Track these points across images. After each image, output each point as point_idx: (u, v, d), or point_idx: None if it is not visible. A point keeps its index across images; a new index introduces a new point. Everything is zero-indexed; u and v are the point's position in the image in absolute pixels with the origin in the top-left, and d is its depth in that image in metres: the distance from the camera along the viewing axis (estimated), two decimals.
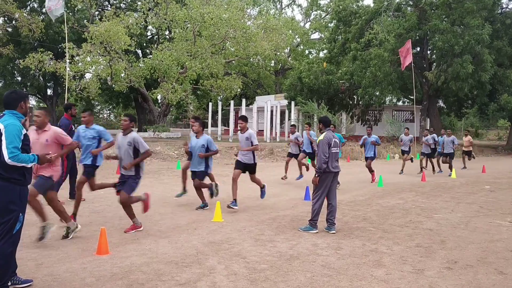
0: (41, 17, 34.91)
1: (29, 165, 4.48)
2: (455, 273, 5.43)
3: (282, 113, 36.97)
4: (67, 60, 24.22)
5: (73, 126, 9.28)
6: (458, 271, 5.51)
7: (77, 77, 30.82)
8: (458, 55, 26.19)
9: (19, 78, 42.90)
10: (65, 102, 20.62)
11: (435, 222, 8.27)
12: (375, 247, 6.48)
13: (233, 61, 38.64)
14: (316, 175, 7.26)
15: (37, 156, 4.61)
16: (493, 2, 27.66)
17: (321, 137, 7.39)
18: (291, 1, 54.79)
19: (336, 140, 7.46)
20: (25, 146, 4.54)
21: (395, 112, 38.46)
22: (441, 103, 37.14)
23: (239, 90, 36.13)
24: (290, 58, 49.10)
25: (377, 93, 30.25)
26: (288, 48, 45.76)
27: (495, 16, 29.57)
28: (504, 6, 31.55)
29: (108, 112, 78.76)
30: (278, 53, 39.66)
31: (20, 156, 4.37)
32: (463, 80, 26.11)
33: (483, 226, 8.05)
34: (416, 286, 4.95)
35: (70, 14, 35.78)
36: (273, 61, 48.27)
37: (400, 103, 39.43)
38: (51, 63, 28.38)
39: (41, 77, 41.34)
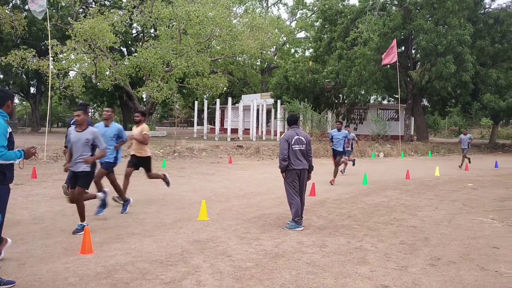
0: (24, 14, 34.43)
1: (16, 161, 4.53)
2: (438, 269, 5.49)
3: (268, 112, 37.00)
4: (51, 58, 23.89)
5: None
6: (441, 267, 5.57)
7: (60, 75, 30.48)
8: (442, 55, 26.48)
9: (1, 76, 42.27)
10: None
11: (419, 220, 8.36)
12: (360, 244, 6.52)
13: (219, 60, 38.55)
14: (281, 171, 7.59)
15: (23, 151, 4.64)
16: (475, 2, 28.00)
17: (282, 135, 7.63)
18: (277, 0, 54.74)
19: (300, 137, 7.58)
20: (10, 144, 4.61)
21: (380, 110, 38.76)
22: (425, 102, 37.54)
23: (225, 88, 36.04)
24: (276, 57, 49.14)
25: (362, 92, 30.46)
26: (274, 47, 45.80)
27: (478, 16, 29.95)
28: (487, 6, 31.98)
29: (92, 110, 78.03)
30: (264, 52, 39.71)
31: (7, 154, 4.46)
32: (446, 79, 26.42)
33: (466, 223, 8.16)
34: (400, 283, 4.99)
35: (54, 11, 35.34)
36: (259, 60, 48.27)
37: (385, 102, 39.77)
38: (34, 60, 27.98)
39: (23, 75, 40.76)
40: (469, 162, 19.10)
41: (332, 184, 13.12)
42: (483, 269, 5.53)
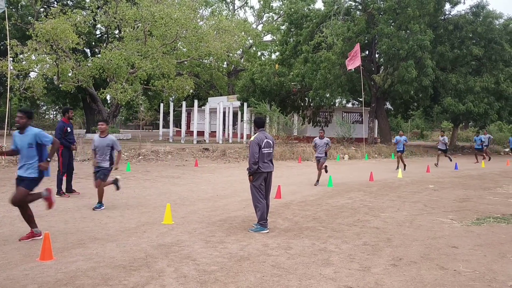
0: None
1: None
2: (400, 269, 5.61)
3: (235, 115, 36.98)
4: (10, 58, 23.18)
5: (68, 128, 10.52)
6: (402, 267, 5.69)
7: (21, 76, 29.59)
8: (404, 59, 27.14)
9: None
10: (8, 103, 19.78)
11: (381, 221, 8.52)
12: (324, 246, 6.59)
13: (185, 62, 38.32)
14: (249, 175, 7.45)
15: None
16: (436, 8, 28.83)
17: (252, 138, 7.55)
18: (243, 3, 54.84)
19: (269, 140, 7.59)
20: None
21: (345, 113, 39.35)
22: (388, 105, 38.36)
23: (191, 90, 35.78)
24: (242, 60, 49.22)
25: (327, 95, 30.85)
26: (241, 49, 45.87)
27: (438, 22, 30.86)
28: (447, 12, 32.97)
29: (54, 113, 76.16)
30: (231, 54, 39.71)
31: None
32: (408, 83, 27.08)
33: (427, 223, 8.37)
34: (363, 283, 5.07)
35: (13, 10, 34.32)
36: (225, 62, 48.23)
37: (349, 105, 40.41)
38: None
39: None
40: (326, 171, 13.95)
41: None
42: (442, 268, 5.68)
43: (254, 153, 7.34)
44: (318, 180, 13.87)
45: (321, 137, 14.08)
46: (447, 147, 20.19)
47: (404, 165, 19.16)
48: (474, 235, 7.48)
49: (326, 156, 14.11)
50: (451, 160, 22.35)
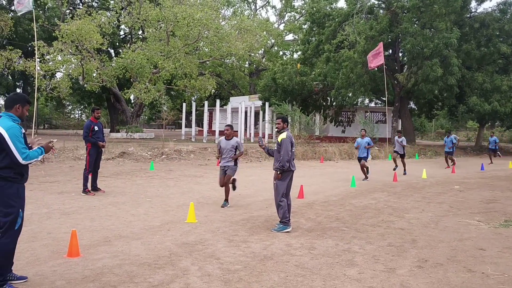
0: (10, 15, 34.08)
1: (39, 158, 4.71)
2: (426, 271, 5.53)
3: (257, 114, 37.02)
4: (37, 59, 23.67)
5: (95, 127, 10.69)
6: (428, 269, 5.61)
7: (47, 76, 30.23)
8: (428, 58, 26.73)
9: None
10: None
11: (406, 222, 8.41)
12: (348, 246, 6.54)
13: (207, 62, 38.54)
14: (278, 172, 7.42)
15: (43, 147, 4.83)
16: (462, 6, 28.31)
17: (284, 135, 7.51)
18: (265, 2, 54.86)
19: (292, 139, 7.67)
20: (26, 144, 4.76)
21: (368, 113, 38.99)
22: (412, 105, 37.84)
23: (213, 90, 35.96)
24: (264, 59, 49.23)
25: (350, 94, 30.61)
26: (263, 49, 45.89)
27: (464, 20, 30.29)
28: (473, 10, 32.35)
29: (80, 112, 77.50)
30: (253, 54, 39.76)
31: (30, 154, 4.61)
32: (433, 82, 26.66)
33: (453, 225, 8.23)
34: (388, 285, 5.01)
35: (41, 12, 35.06)
36: (247, 62, 48.33)
37: (372, 105, 39.98)
38: (20, 61, 27.74)
39: (9, 76, 40.30)
40: (234, 188, 9.67)
41: None
42: (470, 271, 5.57)
43: (288, 151, 7.39)
44: (227, 200, 9.51)
45: (228, 137, 9.41)
46: (403, 151, 17.71)
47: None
48: (502, 238, 7.33)
49: (236, 165, 9.42)
50: (395, 168, 17.24)
